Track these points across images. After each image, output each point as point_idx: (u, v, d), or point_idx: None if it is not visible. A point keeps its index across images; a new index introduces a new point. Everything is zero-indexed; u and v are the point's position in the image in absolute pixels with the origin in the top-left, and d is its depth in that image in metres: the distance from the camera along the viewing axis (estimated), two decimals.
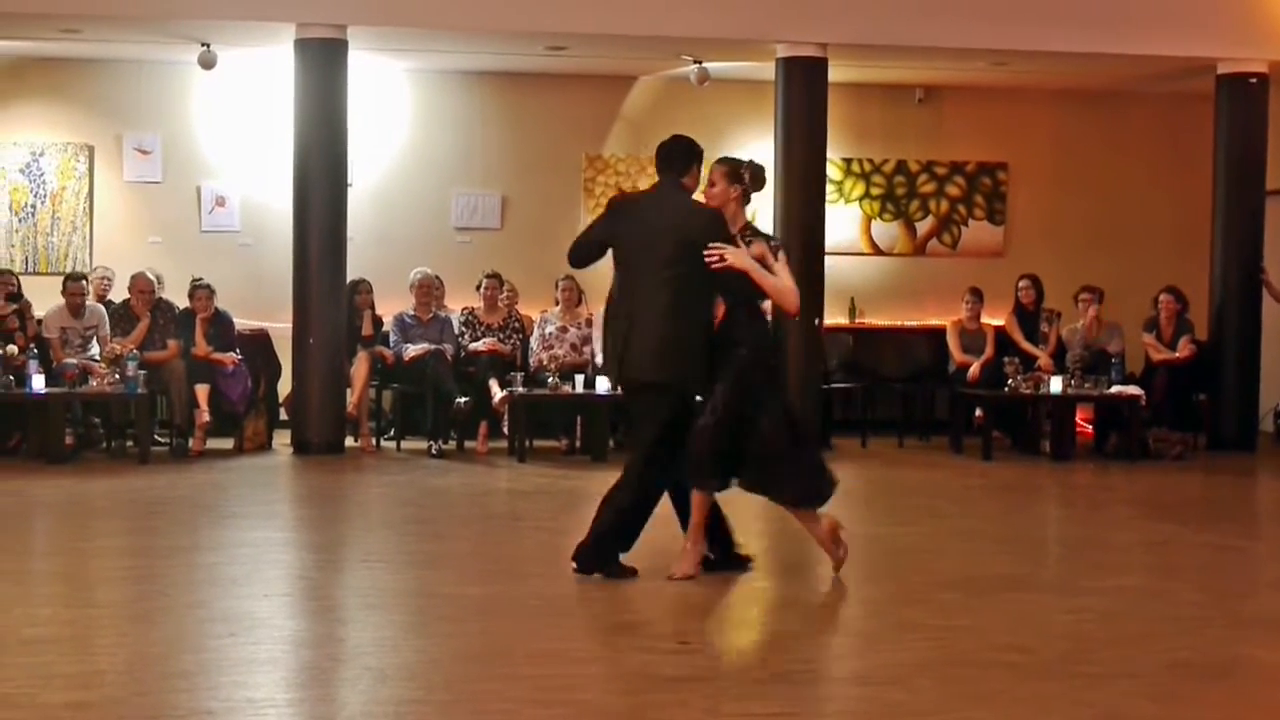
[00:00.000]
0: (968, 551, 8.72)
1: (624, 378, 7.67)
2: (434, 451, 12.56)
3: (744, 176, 7.63)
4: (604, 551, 7.51)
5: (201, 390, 12.42)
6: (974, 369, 13.33)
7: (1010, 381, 12.83)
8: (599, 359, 12.37)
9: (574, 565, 7.50)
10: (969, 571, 7.98)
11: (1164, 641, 6.45)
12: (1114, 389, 12.93)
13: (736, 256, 7.40)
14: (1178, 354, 13.42)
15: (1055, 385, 12.75)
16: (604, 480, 7.99)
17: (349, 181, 13.09)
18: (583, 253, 7.78)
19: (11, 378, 11.79)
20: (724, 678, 5.93)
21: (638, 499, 7.54)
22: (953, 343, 13.74)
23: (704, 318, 7.54)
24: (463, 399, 12.56)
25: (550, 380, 12.46)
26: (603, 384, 12.02)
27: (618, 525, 7.51)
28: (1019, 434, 13.58)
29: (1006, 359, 13.09)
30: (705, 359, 7.48)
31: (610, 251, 7.67)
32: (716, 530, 7.69)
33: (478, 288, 13.37)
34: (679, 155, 7.70)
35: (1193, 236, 14.58)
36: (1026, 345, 13.51)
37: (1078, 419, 13.56)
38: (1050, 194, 15.62)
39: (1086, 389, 12.88)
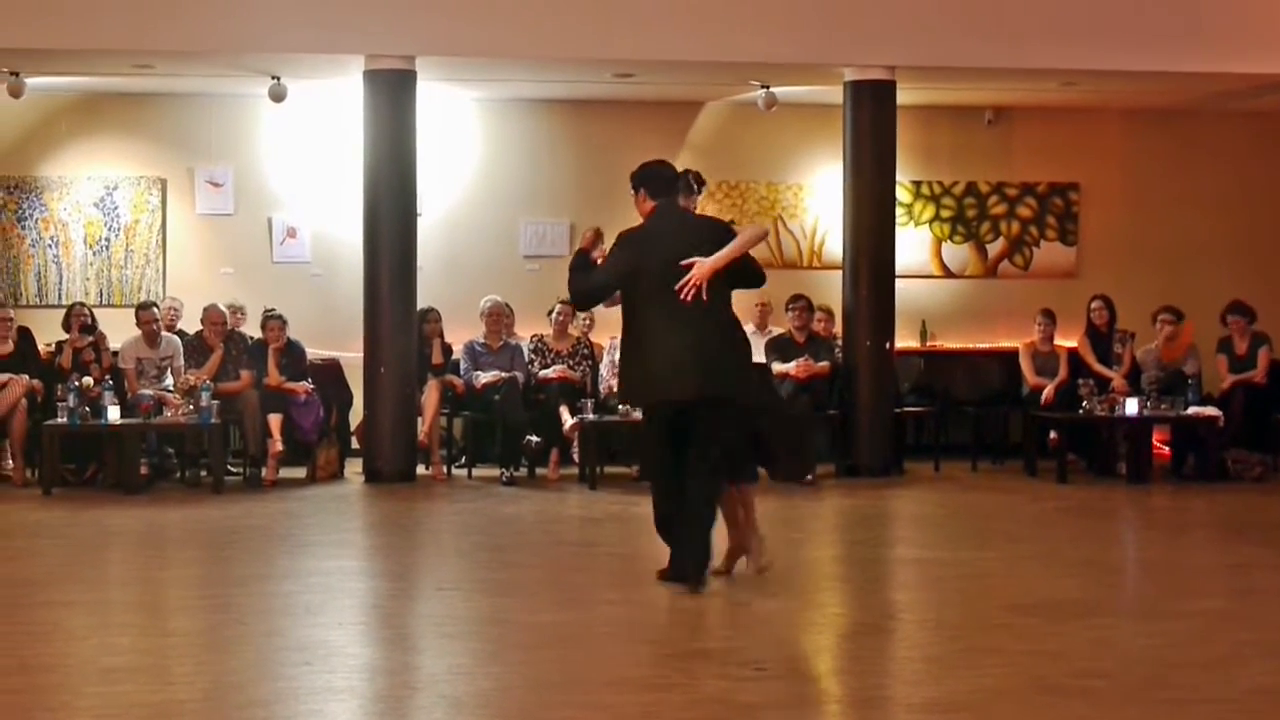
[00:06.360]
0: (1044, 576, 8.63)
1: (689, 398, 7.71)
2: (505, 479, 12.56)
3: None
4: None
5: (274, 420, 12.49)
6: (1048, 391, 13.20)
7: (1085, 403, 12.71)
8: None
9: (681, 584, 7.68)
10: (1046, 596, 7.89)
11: (1249, 666, 6.35)
12: (1191, 410, 12.78)
13: (704, 269, 7.64)
14: (1255, 375, 13.23)
15: (1131, 407, 12.61)
16: None
17: (418, 211, 13.16)
18: (597, 295, 8.14)
19: (87, 409, 11.91)
20: (801, 704, 5.89)
21: (711, 510, 7.79)
22: (1025, 365, 13.62)
23: (740, 329, 8.01)
24: (533, 438, 12.61)
25: (620, 407, 12.45)
26: None
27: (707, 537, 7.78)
28: (1094, 457, 13.44)
29: (1081, 381, 12.97)
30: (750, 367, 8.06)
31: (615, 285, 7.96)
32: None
33: (549, 313, 13.38)
34: (670, 180, 8.04)
35: (1270, 255, 14.41)
36: (1099, 367, 13.36)
37: (1154, 441, 13.40)
38: (1123, 214, 15.47)
39: (1163, 410, 12.73)
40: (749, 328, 13.81)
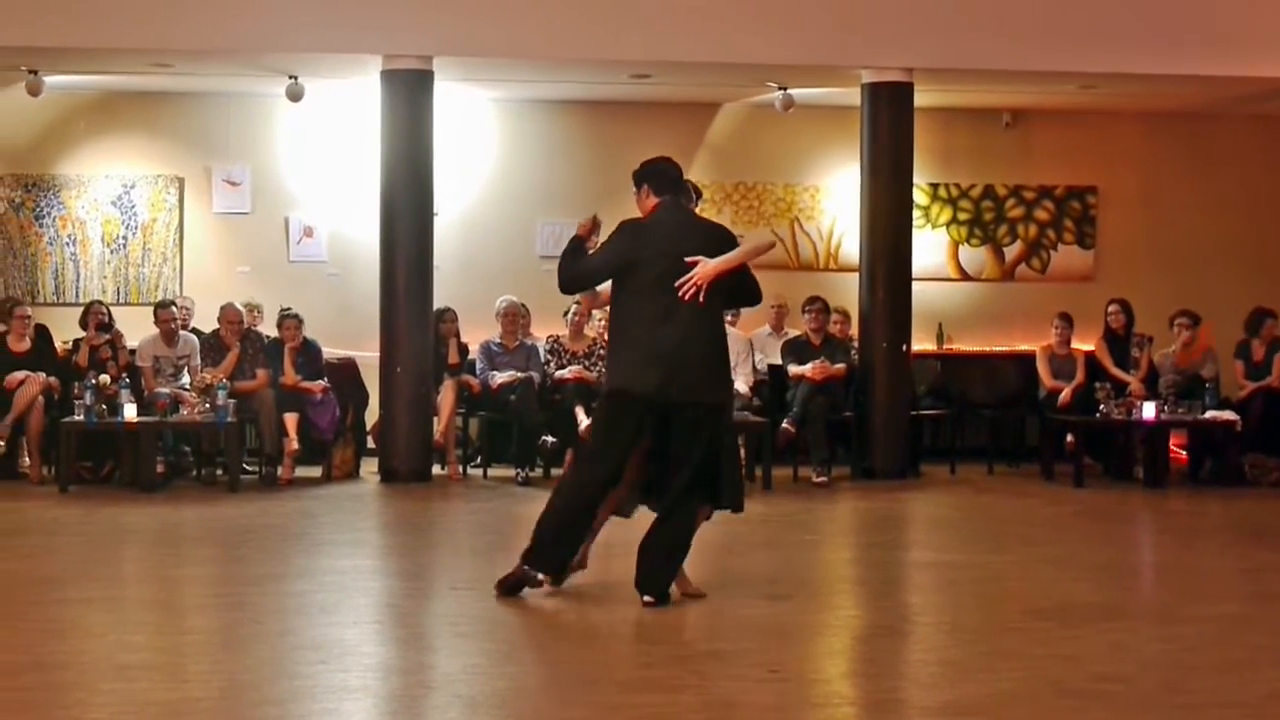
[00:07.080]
0: (1060, 579, 8.60)
1: (670, 399, 7.42)
2: (520, 479, 12.57)
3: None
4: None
5: (290, 419, 12.51)
6: (1065, 394, 13.17)
7: (1102, 407, 12.67)
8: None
9: (649, 600, 7.43)
10: (1062, 600, 7.87)
11: (1265, 671, 6.33)
12: (1208, 414, 12.74)
13: (708, 270, 7.45)
14: (1272, 380, 13.17)
15: (1148, 411, 12.58)
16: None
17: (435, 211, 13.17)
18: (585, 281, 7.86)
19: (104, 407, 11.93)
20: (814, 707, 5.87)
21: (690, 529, 7.57)
22: (1042, 368, 13.58)
23: (726, 344, 7.77)
24: (549, 439, 12.61)
25: None
26: None
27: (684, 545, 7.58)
28: (1111, 460, 13.40)
29: (1098, 384, 12.94)
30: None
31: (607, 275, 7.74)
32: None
33: (565, 314, 13.37)
34: (675, 179, 7.88)
35: None
36: (1116, 371, 13.32)
37: (1171, 445, 13.36)
38: (1141, 217, 15.44)
39: (1180, 414, 12.70)
40: (764, 329, 13.89)
